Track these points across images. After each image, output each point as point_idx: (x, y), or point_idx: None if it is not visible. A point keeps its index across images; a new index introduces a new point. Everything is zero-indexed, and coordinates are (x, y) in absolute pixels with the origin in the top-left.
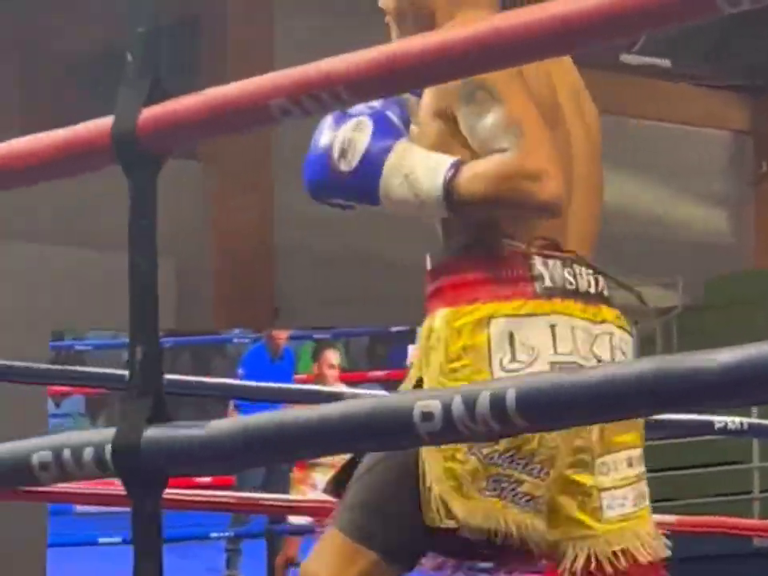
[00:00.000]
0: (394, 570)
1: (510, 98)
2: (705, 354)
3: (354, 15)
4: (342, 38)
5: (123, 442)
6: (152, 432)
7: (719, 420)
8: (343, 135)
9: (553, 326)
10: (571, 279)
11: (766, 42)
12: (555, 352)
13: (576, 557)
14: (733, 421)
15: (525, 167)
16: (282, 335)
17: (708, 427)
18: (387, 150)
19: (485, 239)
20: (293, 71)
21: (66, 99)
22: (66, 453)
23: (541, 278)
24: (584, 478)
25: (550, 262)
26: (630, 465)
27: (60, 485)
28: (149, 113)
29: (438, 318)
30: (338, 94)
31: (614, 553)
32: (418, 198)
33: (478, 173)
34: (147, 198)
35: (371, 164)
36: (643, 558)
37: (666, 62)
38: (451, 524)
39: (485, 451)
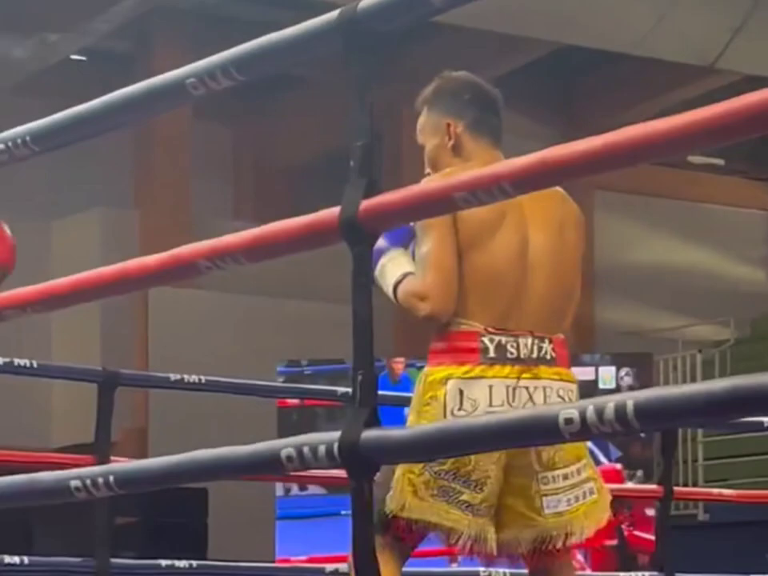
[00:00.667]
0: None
1: (431, 240)
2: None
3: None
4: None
5: (347, 441)
6: (368, 433)
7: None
8: None
9: (491, 386)
10: (513, 350)
11: None
12: (490, 405)
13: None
14: None
15: (416, 290)
16: (399, 362)
17: (759, 425)
18: (384, 252)
19: (452, 321)
20: (468, 174)
21: (290, 199)
22: (306, 449)
23: (486, 350)
24: (529, 487)
25: (496, 338)
26: (566, 478)
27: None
28: (367, 204)
29: (422, 373)
30: (504, 189)
31: (553, 536)
32: (387, 289)
33: (401, 285)
34: (365, 265)
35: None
36: (576, 539)
37: (719, 161)
38: (404, 515)
39: (435, 469)
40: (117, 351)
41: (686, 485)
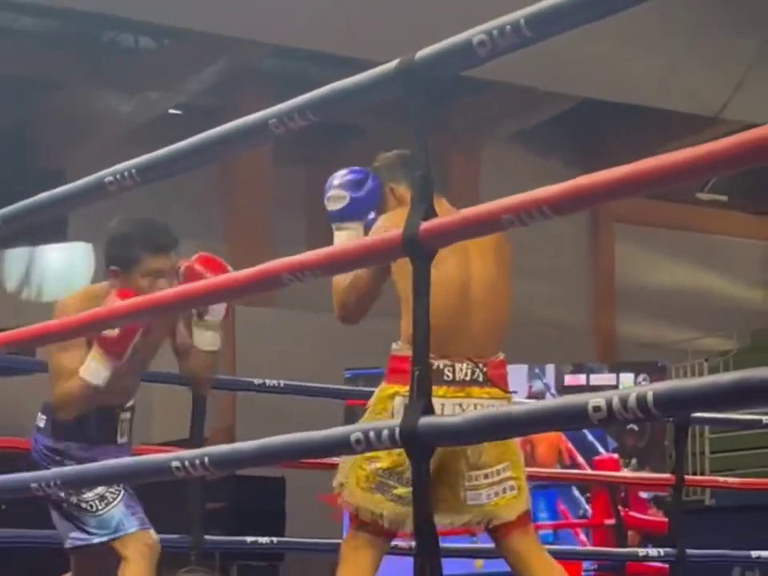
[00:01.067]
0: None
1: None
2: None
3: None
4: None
5: (407, 426)
6: (424, 420)
7: (766, 418)
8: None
9: None
10: (449, 373)
11: None
12: None
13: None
14: None
15: (341, 298)
16: None
17: (758, 422)
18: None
19: (403, 347)
20: (513, 198)
21: None
22: (372, 433)
23: None
24: (457, 483)
25: (434, 362)
26: (486, 477)
27: None
28: (426, 225)
29: (378, 388)
30: (543, 211)
31: (478, 522)
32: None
33: (342, 279)
34: (424, 279)
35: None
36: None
37: (724, 198)
38: (351, 502)
39: (376, 466)
40: None
41: (694, 474)
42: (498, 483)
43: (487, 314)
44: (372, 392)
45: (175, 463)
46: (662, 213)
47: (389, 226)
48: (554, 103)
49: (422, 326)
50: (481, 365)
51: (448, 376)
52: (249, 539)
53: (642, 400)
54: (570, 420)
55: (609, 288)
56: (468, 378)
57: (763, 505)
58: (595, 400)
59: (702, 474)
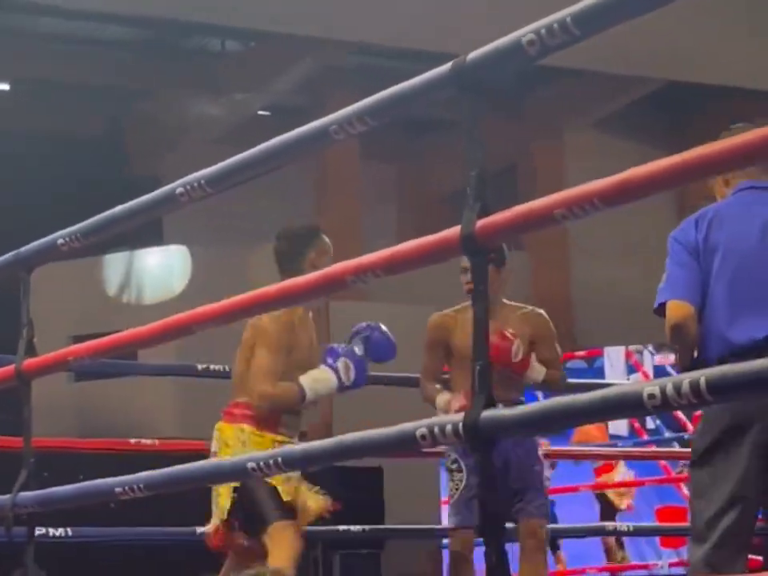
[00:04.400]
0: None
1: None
2: None
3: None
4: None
5: (470, 421)
6: (486, 414)
7: None
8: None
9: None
10: None
11: None
12: None
13: None
14: None
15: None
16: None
17: None
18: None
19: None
20: (565, 193)
21: (444, 223)
22: (436, 429)
23: None
24: None
25: None
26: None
27: None
28: (482, 222)
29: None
30: (595, 204)
31: None
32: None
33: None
34: (483, 274)
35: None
36: None
37: None
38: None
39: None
40: None
41: None
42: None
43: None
44: None
45: (251, 464)
46: None
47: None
48: (639, 87)
49: (481, 320)
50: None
51: None
52: (341, 527)
53: (695, 386)
54: (626, 408)
55: None
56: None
57: None
58: (650, 387)
59: None
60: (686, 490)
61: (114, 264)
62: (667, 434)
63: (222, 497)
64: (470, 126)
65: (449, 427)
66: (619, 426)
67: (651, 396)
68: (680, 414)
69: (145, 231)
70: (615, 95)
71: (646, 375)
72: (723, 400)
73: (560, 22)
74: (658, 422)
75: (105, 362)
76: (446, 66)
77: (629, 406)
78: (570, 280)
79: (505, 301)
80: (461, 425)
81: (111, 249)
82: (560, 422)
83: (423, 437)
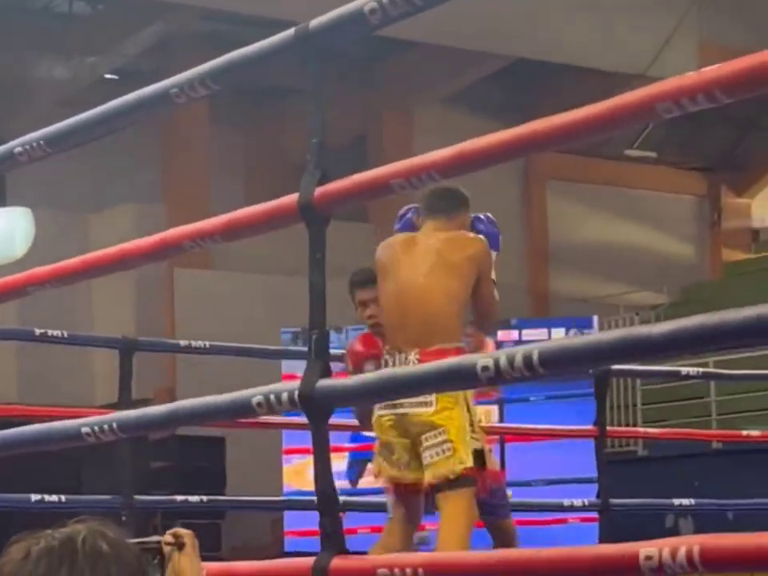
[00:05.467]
0: None
1: None
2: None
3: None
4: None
5: (305, 389)
6: (322, 383)
7: (684, 369)
8: None
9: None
10: (390, 361)
11: (716, 139)
12: None
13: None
14: (696, 370)
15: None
16: None
17: (677, 374)
18: None
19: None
20: (403, 163)
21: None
22: (272, 396)
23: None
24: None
25: (385, 355)
26: (427, 440)
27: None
28: (320, 190)
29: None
30: (432, 176)
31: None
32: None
33: None
34: (320, 242)
35: None
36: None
37: (653, 154)
38: None
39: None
40: (149, 322)
41: (627, 425)
42: (435, 447)
43: (418, 313)
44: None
45: (85, 429)
46: (593, 169)
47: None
48: (487, 64)
49: (318, 290)
50: (413, 353)
51: (388, 364)
52: (179, 498)
53: (528, 359)
54: (461, 379)
55: (542, 244)
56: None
57: (694, 454)
58: (484, 360)
59: (635, 425)
60: None
61: None
62: None
63: (462, 451)
64: (313, 93)
65: (284, 395)
66: None
67: (485, 368)
68: None
69: None
70: (464, 71)
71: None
72: (554, 373)
73: None
74: None
75: None
76: (289, 32)
77: (463, 377)
78: None
79: None
80: (296, 393)
81: None
82: (396, 393)
83: (259, 404)
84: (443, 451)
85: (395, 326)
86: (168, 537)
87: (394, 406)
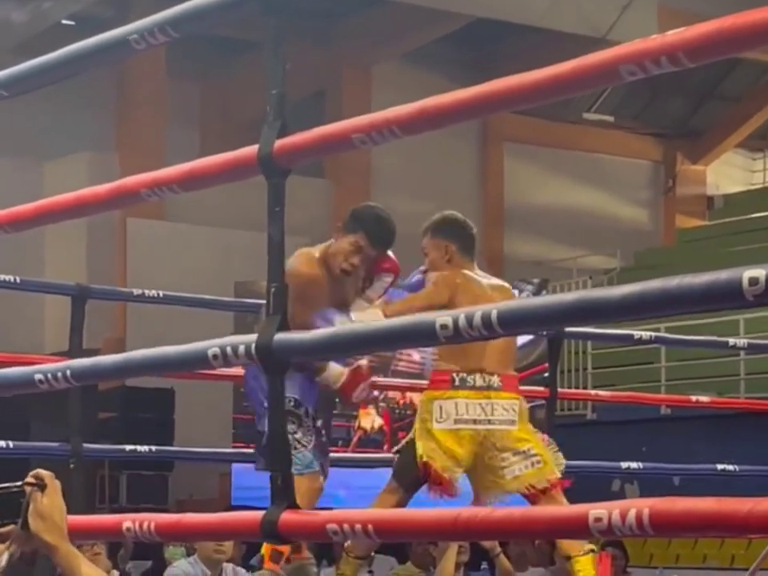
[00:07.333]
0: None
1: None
2: (608, 289)
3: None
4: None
5: (263, 342)
6: (279, 336)
7: (637, 333)
8: None
9: (456, 403)
10: (470, 380)
11: (673, 106)
12: (457, 414)
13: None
14: (649, 335)
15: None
16: None
17: (630, 338)
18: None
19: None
20: (364, 118)
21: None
22: (229, 349)
23: (454, 380)
24: (496, 463)
25: (461, 373)
26: (515, 454)
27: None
28: (280, 143)
29: (424, 393)
30: (393, 131)
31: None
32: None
33: None
34: (279, 195)
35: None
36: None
37: (610, 118)
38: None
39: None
40: (101, 271)
41: (577, 389)
42: (523, 460)
43: (499, 340)
44: (260, 304)
45: (38, 376)
46: (550, 132)
47: (442, 281)
48: (446, 22)
49: (276, 243)
50: (495, 376)
51: (469, 382)
52: (128, 447)
53: (486, 318)
54: (420, 337)
55: (497, 207)
56: (482, 385)
57: (642, 419)
58: (442, 318)
59: (585, 388)
60: None
61: None
62: None
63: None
64: (273, 45)
65: (241, 348)
66: None
67: (444, 326)
68: None
69: None
70: (423, 29)
71: None
72: (512, 333)
73: None
74: None
75: None
76: None
77: (422, 334)
78: None
79: None
80: (254, 346)
81: None
82: (354, 348)
83: (215, 356)
84: (532, 464)
85: (472, 349)
86: (29, 479)
87: (475, 422)
